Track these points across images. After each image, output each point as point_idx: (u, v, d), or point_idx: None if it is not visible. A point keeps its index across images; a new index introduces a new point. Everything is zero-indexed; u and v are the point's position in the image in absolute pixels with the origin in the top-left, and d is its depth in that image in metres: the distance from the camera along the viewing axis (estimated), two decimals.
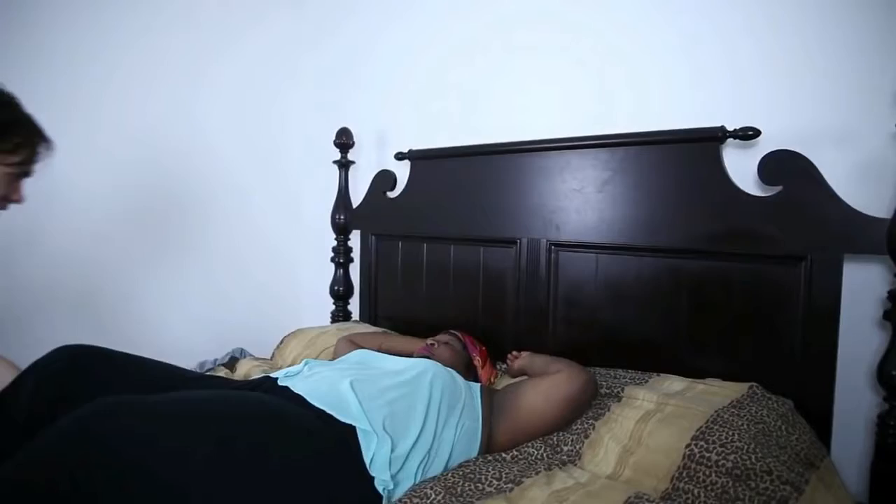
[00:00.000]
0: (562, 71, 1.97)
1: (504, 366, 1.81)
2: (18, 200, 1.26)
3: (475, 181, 2.09)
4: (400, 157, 2.36)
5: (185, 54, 2.44)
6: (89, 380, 1.15)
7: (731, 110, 1.60)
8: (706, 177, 1.59)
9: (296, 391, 1.24)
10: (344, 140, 2.42)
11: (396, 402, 1.27)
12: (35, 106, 1.28)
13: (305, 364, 1.42)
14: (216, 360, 2.07)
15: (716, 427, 1.20)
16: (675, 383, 1.48)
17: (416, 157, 2.31)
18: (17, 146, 1.19)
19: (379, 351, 1.69)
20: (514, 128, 2.04)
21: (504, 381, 1.70)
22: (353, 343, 1.85)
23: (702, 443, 1.17)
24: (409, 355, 1.60)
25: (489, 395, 1.46)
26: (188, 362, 2.09)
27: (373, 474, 1.13)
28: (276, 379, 1.33)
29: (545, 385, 1.42)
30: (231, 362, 2.02)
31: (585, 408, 1.42)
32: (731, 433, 1.17)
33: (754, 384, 1.41)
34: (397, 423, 1.23)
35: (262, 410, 1.11)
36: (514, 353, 1.73)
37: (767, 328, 1.51)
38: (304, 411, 1.17)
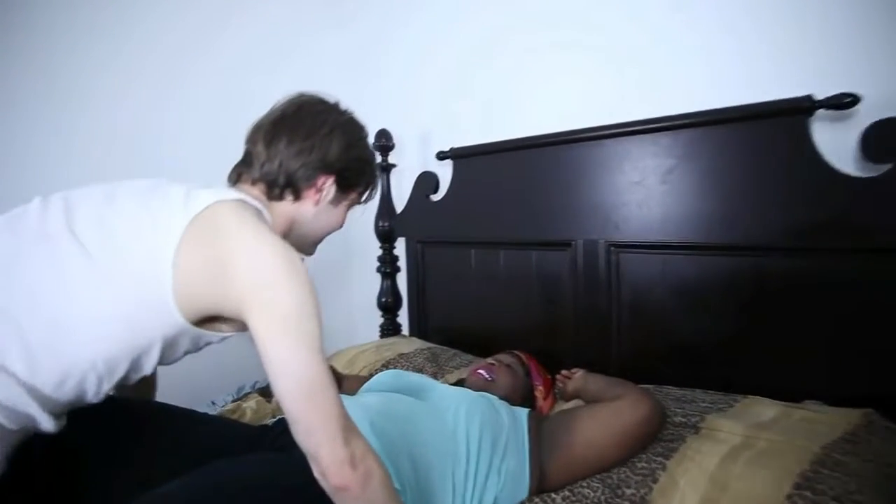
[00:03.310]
0: (617, 44, 1.74)
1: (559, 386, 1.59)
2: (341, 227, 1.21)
3: (523, 178, 1.90)
4: (441, 156, 2.19)
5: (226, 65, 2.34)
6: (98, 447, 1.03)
7: (817, 77, 1.34)
8: (792, 158, 1.33)
9: None
10: (383, 142, 2.27)
11: (422, 457, 1.10)
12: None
13: None
14: (256, 382, 1.96)
15: (825, 471, 0.96)
16: (766, 409, 1.23)
17: (459, 156, 2.13)
18: (368, 185, 1.19)
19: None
20: (564, 116, 1.82)
21: (559, 406, 1.49)
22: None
23: (807, 492, 0.93)
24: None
25: (538, 423, 1.26)
26: (228, 384, 2.00)
27: None
28: None
29: (604, 414, 1.21)
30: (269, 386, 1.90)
31: (651, 439, 1.21)
32: (847, 480, 0.93)
33: (870, 410, 1.14)
34: (426, 485, 1.07)
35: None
36: (565, 371, 1.51)
37: (882, 338, 1.24)
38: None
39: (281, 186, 1.04)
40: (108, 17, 2.07)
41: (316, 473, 0.84)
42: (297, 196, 1.06)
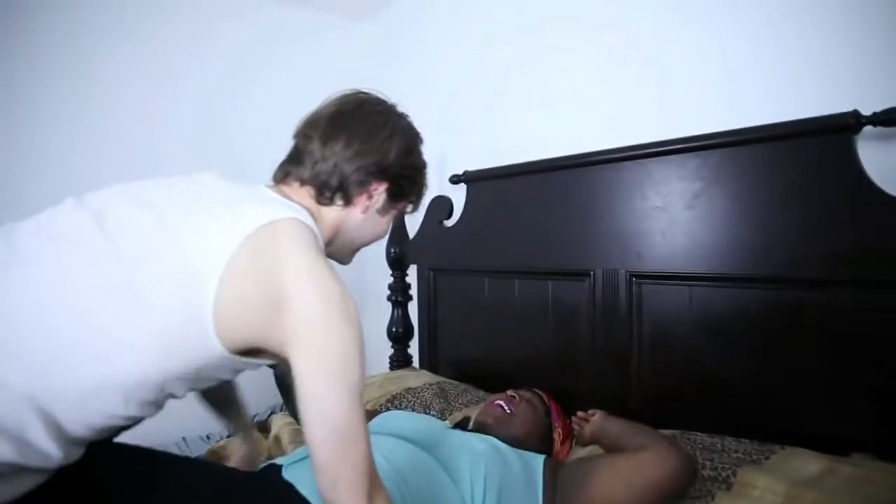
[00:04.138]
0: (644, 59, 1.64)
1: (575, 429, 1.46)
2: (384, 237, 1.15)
3: (539, 203, 1.80)
4: (455, 179, 2.11)
5: (224, 68, 2.35)
6: None
7: (854, 92, 1.22)
8: (835, 180, 1.21)
9: (303, 493, 0.96)
10: None
11: None
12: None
13: None
14: (255, 416, 1.87)
15: None
16: (807, 462, 1.09)
17: (473, 179, 2.05)
18: (418, 195, 1.10)
19: None
20: (586, 137, 1.72)
21: (574, 452, 1.36)
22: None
23: None
24: None
25: (553, 472, 1.14)
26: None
27: None
28: (282, 468, 1.06)
29: (626, 466, 1.09)
30: (270, 419, 1.80)
31: (676, 496, 1.07)
32: None
33: None
34: None
35: None
36: (581, 413, 1.38)
37: None
38: None
39: (332, 190, 0.97)
40: (110, 15, 2.11)
41: None
42: (348, 202, 0.98)
